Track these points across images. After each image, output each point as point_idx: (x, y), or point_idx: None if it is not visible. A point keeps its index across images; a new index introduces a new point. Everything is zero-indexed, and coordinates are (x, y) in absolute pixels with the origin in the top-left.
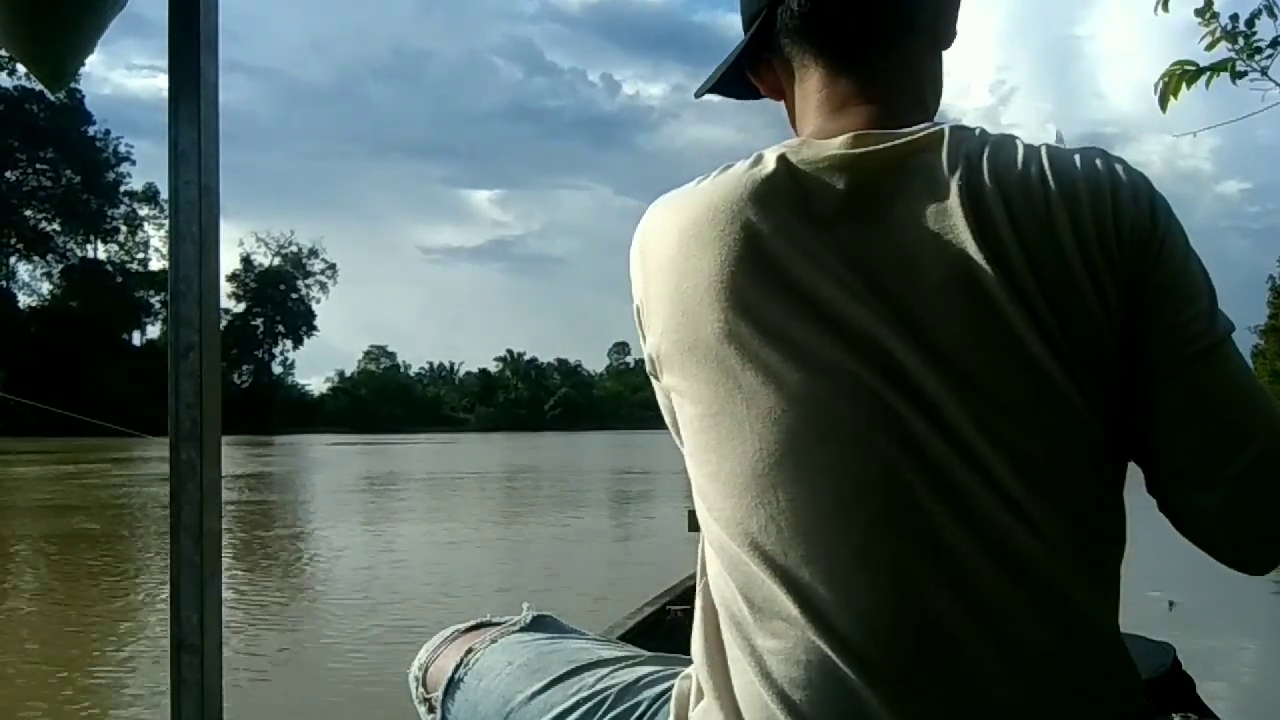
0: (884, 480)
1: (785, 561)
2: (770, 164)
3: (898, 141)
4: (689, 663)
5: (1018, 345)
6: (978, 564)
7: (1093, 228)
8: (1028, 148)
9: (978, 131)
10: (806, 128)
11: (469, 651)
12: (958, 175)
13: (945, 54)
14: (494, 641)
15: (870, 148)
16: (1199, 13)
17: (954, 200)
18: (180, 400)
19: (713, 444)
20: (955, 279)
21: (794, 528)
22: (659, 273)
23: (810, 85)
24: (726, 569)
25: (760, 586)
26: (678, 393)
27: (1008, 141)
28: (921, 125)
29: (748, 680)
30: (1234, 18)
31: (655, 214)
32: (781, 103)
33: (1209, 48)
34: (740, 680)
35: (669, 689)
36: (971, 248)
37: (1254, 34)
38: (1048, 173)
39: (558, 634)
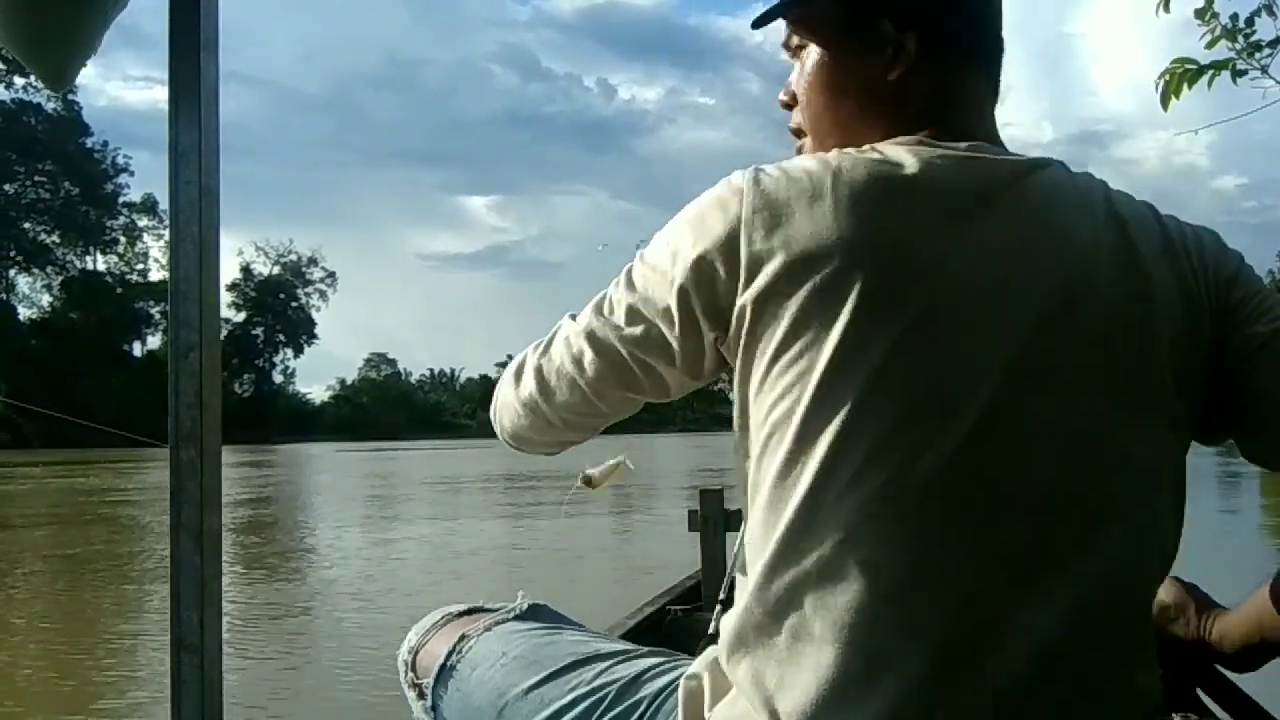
0: (948, 487)
1: (846, 559)
2: (907, 159)
3: (1014, 157)
4: (688, 659)
5: (1132, 369)
6: (1042, 583)
7: (1200, 270)
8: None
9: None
10: (885, 118)
11: (462, 638)
12: (1100, 200)
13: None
14: (488, 629)
15: (996, 156)
16: (1199, 13)
17: (1101, 223)
18: (180, 400)
19: (804, 431)
20: (1084, 293)
21: (860, 526)
22: (783, 246)
23: (925, 78)
24: (781, 560)
25: (817, 582)
26: (779, 372)
27: (1099, 183)
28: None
29: (795, 677)
30: (1234, 17)
31: (784, 190)
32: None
33: (1209, 46)
34: (786, 676)
35: (671, 684)
36: (1111, 271)
37: (1254, 33)
38: (1165, 221)
39: (554, 625)
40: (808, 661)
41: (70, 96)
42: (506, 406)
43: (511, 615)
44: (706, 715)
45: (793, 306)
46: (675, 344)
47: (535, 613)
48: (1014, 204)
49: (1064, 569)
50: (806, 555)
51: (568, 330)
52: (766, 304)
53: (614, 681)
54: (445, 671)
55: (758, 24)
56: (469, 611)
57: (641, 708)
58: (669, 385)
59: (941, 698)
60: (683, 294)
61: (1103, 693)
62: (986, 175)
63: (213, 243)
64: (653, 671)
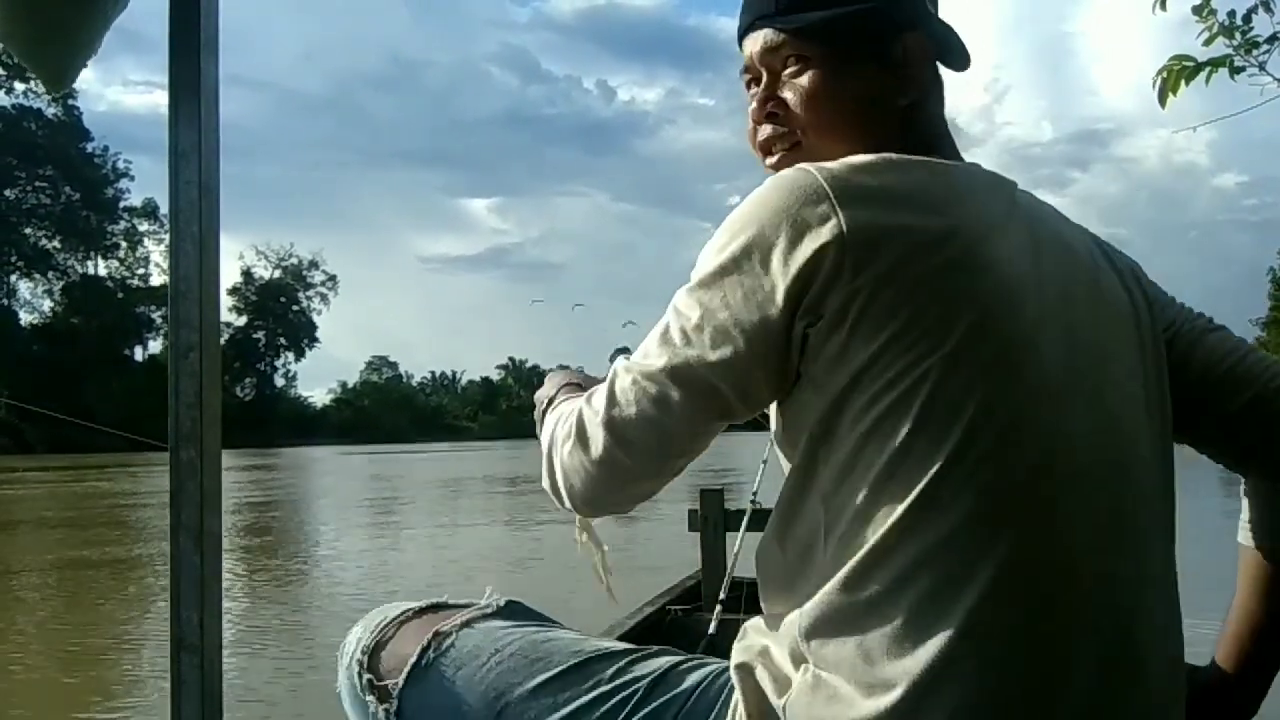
0: (1050, 474)
1: (977, 537)
2: (951, 164)
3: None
4: (708, 658)
5: (1136, 369)
6: (1118, 575)
7: (1141, 282)
8: None
9: None
10: (893, 139)
11: (436, 635)
12: (1062, 215)
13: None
14: (467, 626)
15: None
16: (1197, 10)
17: (1080, 235)
18: (180, 400)
19: (929, 414)
20: (1098, 295)
21: (990, 504)
22: (891, 234)
23: (925, 106)
24: (904, 535)
25: (947, 557)
26: (893, 357)
27: None
28: None
29: (918, 652)
30: (1231, 14)
31: (867, 180)
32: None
33: (1206, 43)
34: (908, 651)
35: (704, 679)
36: (1105, 279)
37: (1251, 29)
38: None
39: (541, 623)
40: (933, 636)
41: (70, 101)
42: (576, 471)
43: (490, 611)
44: (776, 703)
45: (911, 295)
46: (772, 353)
47: (513, 610)
48: (1027, 215)
49: (1133, 561)
50: (932, 533)
51: (634, 373)
52: (879, 291)
53: (642, 678)
54: (419, 671)
55: (752, 28)
56: (431, 608)
57: (677, 705)
58: (765, 399)
59: (1056, 669)
60: (790, 295)
61: (1160, 678)
62: (1006, 185)
63: (213, 243)
64: (682, 668)
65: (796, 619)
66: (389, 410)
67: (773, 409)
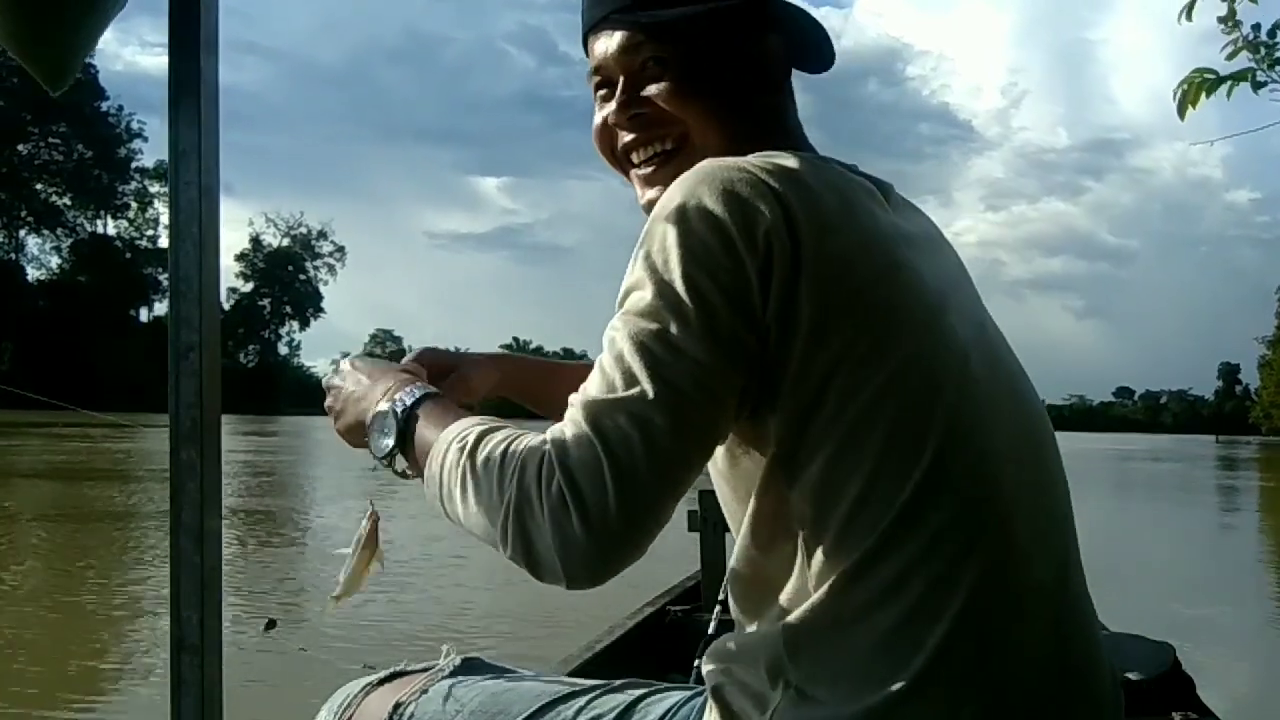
0: (1010, 453)
1: (962, 536)
2: (852, 168)
3: None
4: (675, 686)
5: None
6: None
7: None
8: None
9: None
10: (764, 137)
11: (398, 706)
12: None
13: (957, 53)
14: (425, 691)
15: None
16: (1222, 20)
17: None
18: (180, 400)
19: (902, 422)
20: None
21: (971, 500)
22: (835, 227)
23: (789, 106)
24: (887, 547)
25: (931, 563)
26: (861, 359)
27: None
28: None
29: (910, 659)
30: (1256, 27)
31: (799, 174)
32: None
33: (1230, 57)
34: (899, 658)
35: (672, 708)
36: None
37: (1276, 44)
38: None
39: (500, 674)
40: (923, 643)
41: (87, 59)
42: (577, 539)
43: (446, 673)
44: (765, 715)
45: (858, 299)
46: (755, 351)
47: (471, 666)
48: (905, 209)
49: (1075, 546)
50: (915, 542)
51: (625, 408)
52: (830, 293)
53: (606, 713)
54: None
55: (605, 23)
56: (391, 677)
57: None
58: (740, 415)
59: (1038, 660)
60: (760, 283)
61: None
62: (883, 183)
63: (213, 243)
64: (648, 700)
65: (777, 636)
66: None
67: None
